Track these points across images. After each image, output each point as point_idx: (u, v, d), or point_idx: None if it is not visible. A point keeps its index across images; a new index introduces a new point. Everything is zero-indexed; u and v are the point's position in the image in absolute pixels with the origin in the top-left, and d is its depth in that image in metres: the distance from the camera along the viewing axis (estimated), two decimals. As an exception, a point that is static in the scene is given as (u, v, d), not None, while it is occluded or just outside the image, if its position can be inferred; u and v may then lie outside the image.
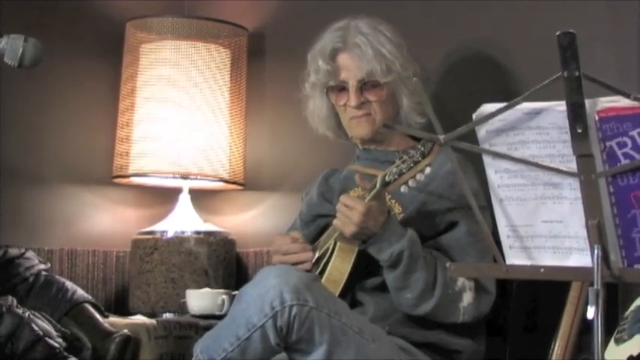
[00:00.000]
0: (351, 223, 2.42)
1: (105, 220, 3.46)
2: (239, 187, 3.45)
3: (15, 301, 2.76)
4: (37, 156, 3.33)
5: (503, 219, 1.76)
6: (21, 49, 1.92)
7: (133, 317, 3.17)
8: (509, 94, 2.84)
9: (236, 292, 3.08)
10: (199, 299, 3.12)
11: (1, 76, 3.11)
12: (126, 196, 3.49)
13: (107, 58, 3.46)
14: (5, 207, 3.16)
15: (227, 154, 3.37)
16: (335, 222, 2.47)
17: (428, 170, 2.38)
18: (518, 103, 1.68)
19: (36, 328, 2.70)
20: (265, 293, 2.29)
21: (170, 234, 3.30)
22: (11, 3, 3.27)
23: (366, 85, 2.60)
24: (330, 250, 2.54)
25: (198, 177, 3.36)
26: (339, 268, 2.51)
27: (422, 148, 2.38)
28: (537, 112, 1.68)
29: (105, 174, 3.41)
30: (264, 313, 2.28)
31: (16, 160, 3.28)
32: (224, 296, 3.12)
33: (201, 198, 3.45)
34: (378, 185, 2.41)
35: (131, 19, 3.40)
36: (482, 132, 1.73)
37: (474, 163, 2.18)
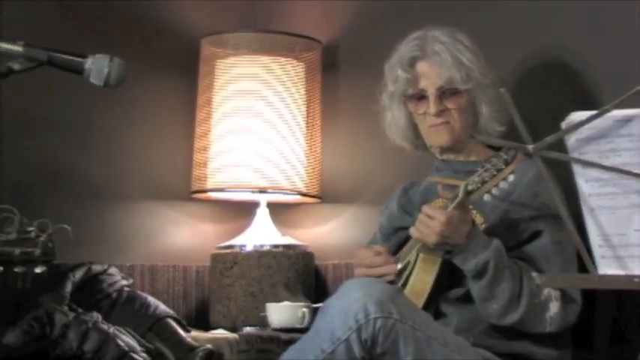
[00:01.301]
0: (432, 232, 2.40)
1: (184, 236, 3.49)
2: (316, 200, 3.45)
3: (100, 317, 2.79)
4: (117, 173, 3.37)
5: (594, 228, 1.73)
6: (107, 69, 1.94)
7: (214, 331, 3.18)
8: (587, 101, 2.81)
9: (316, 305, 3.10)
10: (280, 312, 3.13)
11: (83, 95, 3.16)
12: (204, 211, 3.52)
13: (183, 75, 3.49)
14: (88, 224, 3.19)
15: (304, 167, 3.38)
16: (413, 231, 2.45)
17: (511, 178, 2.36)
18: (608, 110, 1.65)
19: (121, 343, 2.73)
20: (349, 306, 2.28)
21: (249, 248, 3.32)
22: (91, 23, 3.32)
23: (445, 92, 2.58)
24: (412, 262, 2.52)
25: (276, 191, 3.38)
26: (422, 279, 2.50)
27: (505, 156, 2.36)
28: (628, 120, 1.66)
29: (183, 190, 3.44)
30: (349, 326, 2.27)
31: (97, 177, 3.32)
32: (304, 309, 3.12)
33: (279, 211, 3.46)
34: (460, 194, 2.40)
35: (206, 35, 3.43)
36: (571, 141, 1.71)
37: (554, 172, 2.15)
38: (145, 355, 2.77)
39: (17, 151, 3.19)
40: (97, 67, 1.95)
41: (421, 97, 2.61)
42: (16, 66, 1.91)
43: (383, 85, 2.68)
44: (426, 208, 2.43)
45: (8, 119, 3.18)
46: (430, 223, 2.40)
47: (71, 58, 1.95)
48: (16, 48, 1.91)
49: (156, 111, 3.47)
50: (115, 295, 3.02)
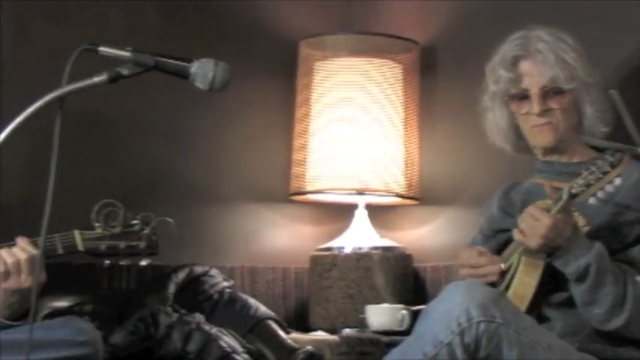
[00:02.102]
0: (536, 235, 2.37)
1: (283, 237, 3.51)
2: (414, 202, 3.44)
3: (203, 318, 2.82)
4: (217, 176, 3.41)
5: None
6: (212, 73, 1.96)
7: (314, 333, 3.20)
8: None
9: (415, 308, 3.09)
10: (379, 315, 3.12)
11: (184, 99, 3.21)
12: (303, 212, 3.53)
13: (281, 77, 3.51)
14: (189, 226, 3.23)
15: (402, 169, 3.37)
16: (515, 234, 2.42)
17: (618, 181, 2.31)
18: None
19: (224, 344, 2.76)
20: (452, 310, 2.26)
21: (348, 250, 3.32)
22: (191, 27, 3.37)
23: (548, 92, 2.55)
24: (514, 265, 2.50)
25: (374, 193, 3.37)
26: (525, 283, 2.46)
27: (610, 159, 2.32)
28: None
29: (282, 192, 3.46)
30: (451, 329, 2.25)
31: (198, 180, 3.36)
32: (404, 311, 3.11)
33: (377, 213, 3.46)
34: (564, 197, 2.36)
35: (304, 37, 3.45)
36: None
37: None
38: (246, 356, 2.80)
39: (123, 154, 3.25)
40: (202, 71, 1.97)
41: (524, 96, 2.58)
42: (124, 71, 1.94)
43: (484, 86, 2.66)
44: (532, 209, 2.40)
45: (115, 123, 3.25)
46: (535, 224, 2.37)
47: (177, 62, 1.98)
48: (125, 54, 1.95)
49: (254, 113, 3.50)
50: (216, 296, 3.05)
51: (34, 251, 2.24)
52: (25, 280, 2.23)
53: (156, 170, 3.30)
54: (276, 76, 3.52)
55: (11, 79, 3.10)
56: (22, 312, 2.30)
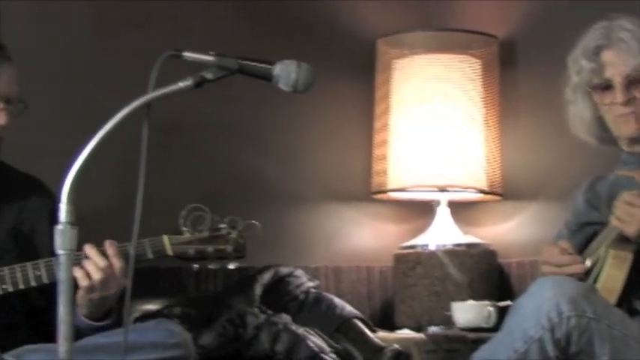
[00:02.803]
0: (635, 221, 2.33)
1: (366, 236, 3.51)
2: (497, 198, 3.41)
3: (290, 319, 2.84)
4: (299, 176, 3.43)
5: None
6: (294, 75, 1.96)
7: (400, 331, 3.19)
8: None
9: (501, 304, 3.06)
10: (465, 312, 3.11)
11: (265, 101, 3.23)
12: (385, 211, 3.53)
13: (359, 76, 3.51)
14: (272, 227, 3.24)
15: (484, 164, 3.35)
16: (613, 220, 2.38)
17: None
18: None
19: (311, 344, 2.77)
20: (541, 305, 2.24)
21: (431, 247, 3.31)
22: (269, 29, 3.39)
23: (632, 81, 2.50)
24: (601, 259, 2.46)
25: (456, 189, 3.36)
26: (613, 276, 2.43)
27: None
28: None
29: (364, 190, 3.46)
30: (541, 325, 2.23)
31: (280, 181, 3.38)
32: (490, 308, 3.09)
33: (460, 210, 3.44)
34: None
35: (382, 35, 3.45)
36: None
37: None
38: (334, 355, 2.80)
39: (207, 158, 3.29)
40: (285, 73, 1.97)
41: (607, 86, 2.54)
42: (209, 75, 1.95)
43: (566, 78, 2.62)
44: (626, 196, 2.36)
45: (200, 126, 3.29)
46: (631, 210, 2.33)
47: (260, 65, 1.98)
48: (209, 58, 1.96)
49: (334, 113, 3.51)
50: (302, 296, 3.07)
51: (119, 263, 2.26)
52: (109, 290, 2.26)
53: (239, 173, 3.32)
54: (354, 74, 3.52)
55: (95, 86, 3.15)
56: (102, 313, 2.34)
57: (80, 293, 2.26)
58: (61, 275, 1.77)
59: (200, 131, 3.29)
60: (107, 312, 2.35)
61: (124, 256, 2.30)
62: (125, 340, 1.87)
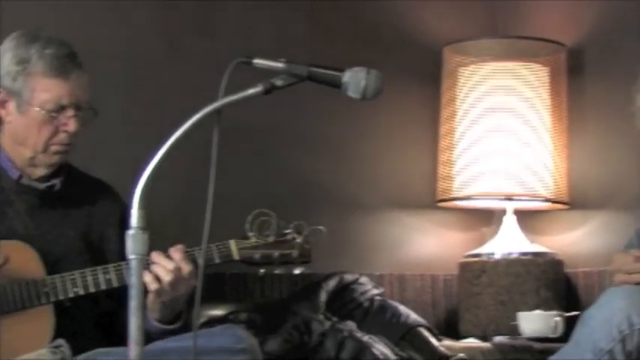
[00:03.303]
0: None
1: (430, 244, 3.50)
2: (564, 207, 3.38)
3: (355, 326, 2.83)
4: (363, 184, 3.43)
5: None
6: (364, 82, 1.95)
7: (465, 340, 3.17)
8: None
9: (569, 314, 3.03)
10: (532, 321, 3.08)
11: (330, 109, 3.24)
12: (450, 219, 3.51)
13: (425, 84, 3.50)
14: (337, 234, 3.25)
15: (551, 173, 3.31)
16: None
17: None
18: None
19: (376, 352, 2.77)
20: (612, 316, 2.21)
21: (497, 256, 3.28)
22: (335, 36, 3.40)
23: None
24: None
25: (523, 198, 3.33)
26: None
27: None
28: None
29: (428, 198, 3.45)
30: (612, 337, 2.20)
31: (345, 188, 3.38)
32: (557, 318, 3.06)
33: (526, 218, 3.41)
34: None
35: (448, 43, 3.43)
36: None
37: None
38: (399, 363, 2.80)
39: (273, 164, 3.30)
40: (355, 80, 1.96)
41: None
42: (278, 82, 1.95)
43: (638, 85, 2.59)
44: None
45: (266, 133, 3.30)
46: None
47: (330, 72, 1.98)
48: (278, 65, 1.96)
49: (400, 121, 3.50)
50: (366, 304, 3.06)
51: (187, 266, 2.28)
52: (179, 291, 2.28)
53: (305, 180, 3.33)
54: (420, 82, 3.52)
55: (165, 94, 3.18)
56: (173, 316, 2.35)
57: (150, 298, 2.28)
58: (132, 280, 1.78)
59: (266, 138, 3.30)
60: (177, 315, 2.36)
61: (190, 260, 2.31)
62: (194, 344, 1.88)
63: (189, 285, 2.30)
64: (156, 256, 2.27)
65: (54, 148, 2.40)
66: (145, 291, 2.21)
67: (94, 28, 3.11)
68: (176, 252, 2.28)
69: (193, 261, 2.31)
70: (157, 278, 2.25)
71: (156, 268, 2.26)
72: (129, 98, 3.15)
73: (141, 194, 1.80)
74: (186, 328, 2.36)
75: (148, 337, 1.91)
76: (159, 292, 2.26)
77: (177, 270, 2.26)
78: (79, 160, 2.54)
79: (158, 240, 2.23)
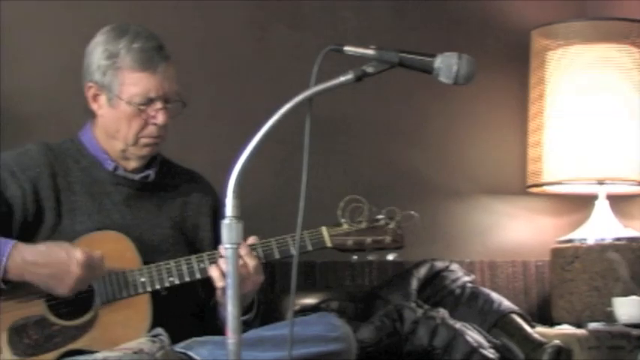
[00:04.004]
0: None
1: (521, 230, 3.46)
2: (658, 191, 3.31)
3: (447, 313, 2.81)
4: (452, 170, 3.40)
5: None
6: (455, 67, 1.93)
7: (559, 327, 3.13)
8: None
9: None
10: (628, 307, 3.02)
11: (416, 97, 3.22)
12: (540, 204, 3.47)
13: (513, 68, 3.46)
14: (427, 221, 3.23)
15: (643, 156, 3.25)
16: None
17: None
18: None
19: (470, 339, 2.74)
20: None
21: (590, 241, 3.23)
22: (421, 21, 3.38)
23: None
24: None
25: (615, 182, 3.27)
26: None
27: None
28: None
29: (518, 184, 3.41)
30: None
31: (434, 175, 3.37)
32: (654, 304, 3.00)
33: (619, 203, 3.36)
34: None
35: (536, 26, 3.38)
36: None
37: None
38: (492, 350, 2.77)
39: (364, 149, 3.30)
40: (446, 65, 1.94)
41: None
42: (369, 69, 1.95)
43: None
44: None
45: (356, 120, 3.30)
46: None
47: (421, 58, 1.97)
48: (369, 52, 1.96)
49: (487, 106, 3.47)
50: (458, 291, 3.04)
51: (252, 262, 2.27)
52: (245, 289, 2.28)
53: (395, 167, 3.32)
54: (508, 66, 3.47)
55: (254, 85, 3.19)
56: (244, 308, 2.36)
57: (218, 293, 2.29)
58: (228, 269, 1.80)
59: (357, 126, 3.30)
60: (249, 306, 2.37)
61: (264, 254, 2.31)
62: (290, 333, 1.89)
63: (255, 282, 2.31)
64: (223, 251, 2.28)
65: (144, 140, 2.43)
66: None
67: (184, 20, 3.14)
68: (242, 247, 2.28)
69: (266, 255, 2.32)
70: (224, 274, 2.24)
71: (223, 265, 2.26)
72: (219, 89, 3.17)
73: (235, 183, 1.81)
74: (258, 318, 2.37)
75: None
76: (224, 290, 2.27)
77: (243, 267, 2.26)
78: (171, 151, 2.57)
79: (249, 230, 2.26)
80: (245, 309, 2.36)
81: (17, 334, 2.21)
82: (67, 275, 2.20)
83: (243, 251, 2.27)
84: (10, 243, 2.20)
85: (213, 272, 2.27)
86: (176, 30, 3.00)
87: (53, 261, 2.21)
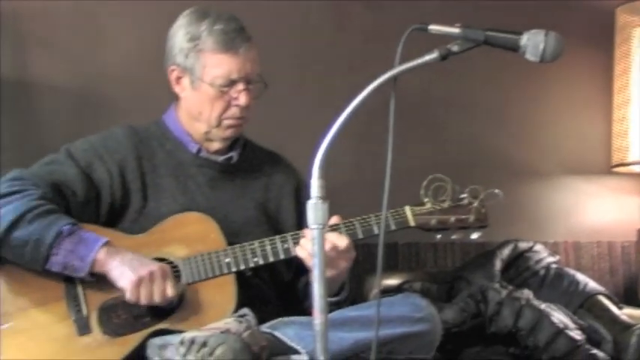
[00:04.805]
0: None
1: (606, 211, 3.41)
2: None
3: (531, 294, 2.78)
4: (535, 150, 3.37)
5: None
6: (542, 44, 1.91)
7: (648, 309, 3.08)
8: None
9: None
10: None
11: (499, 76, 3.19)
12: (627, 184, 3.42)
13: (597, 46, 3.41)
14: (510, 201, 3.20)
15: None
16: None
17: None
18: None
19: (555, 320, 2.71)
20: None
21: (679, 222, 3.17)
22: (504, 1, 3.34)
23: None
24: None
25: None
26: None
27: None
28: None
29: (603, 164, 3.36)
30: None
31: (517, 155, 3.34)
32: None
33: None
34: None
35: (621, 4, 3.32)
36: None
37: None
38: (578, 332, 2.73)
39: (446, 128, 3.28)
40: (533, 42, 1.91)
41: None
42: (454, 48, 1.93)
43: None
44: None
45: (439, 100, 3.28)
46: None
47: (507, 35, 1.94)
48: (454, 30, 1.94)
49: (570, 85, 3.42)
50: (542, 272, 3.00)
51: (343, 242, 2.27)
52: (337, 267, 2.28)
53: (478, 147, 3.30)
54: (591, 45, 3.42)
55: (335, 66, 3.19)
56: (337, 288, 2.36)
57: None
58: (315, 249, 1.79)
59: (439, 105, 3.29)
60: (341, 286, 2.37)
61: (347, 234, 2.30)
62: (377, 312, 1.88)
63: (348, 258, 2.30)
64: (309, 231, 2.28)
65: (227, 122, 2.44)
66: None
67: (265, 3, 3.15)
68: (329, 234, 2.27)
69: (352, 234, 2.31)
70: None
71: (307, 245, 2.25)
72: (300, 71, 3.18)
73: (320, 164, 1.81)
74: (350, 299, 2.37)
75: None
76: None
77: (334, 248, 2.26)
78: (253, 133, 2.58)
79: (331, 209, 2.25)
80: (337, 289, 2.36)
81: (106, 313, 2.24)
82: (143, 266, 2.22)
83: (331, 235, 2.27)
84: (100, 241, 2.23)
85: (301, 252, 2.28)
86: (255, 12, 3.00)
87: (135, 258, 2.24)
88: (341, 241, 2.27)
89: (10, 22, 2.91)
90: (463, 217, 2.36)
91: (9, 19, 2.91)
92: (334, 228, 2.32)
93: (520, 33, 1.94)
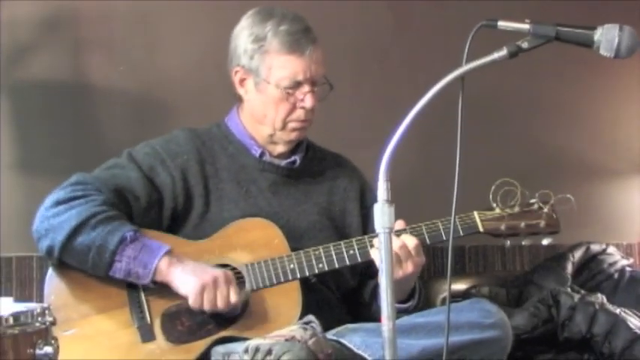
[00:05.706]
0: None
1: (682, 211, 3.34)
2: None
3: (605, 299, 2.71)
4: (609, 150, 3.32)
5: None
6: (617, 39, 1.84)
7: None
8: None
9: None
10: None
11: (570, 75, 3.12)
12: None
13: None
14: (582, 203, 3.13)
15: None
16: None
17: None
18: None
19: (632, 326, 2.63)
20: None
21: None
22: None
23: None
24: None
25: None
26: None
27: None
28: None
29: (678, 162, 3.29)
30: None
31: (590, 156, 3.28)
32: None
33: None
34: None
35: (694, -4, 3.24)
36: None
37: None
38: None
39: (516, 130, 3.23)
40: (607, 37, 1.85)
41: None
42: (524, 44, 1.87)
43: None
44: None
45: (508, 100, 3.22)
46: None
47: (580, 31, 1.88)
48: (524, 26, 1.88)
49: (641, 82, 3.35)
50: (616, 275, 2.94)
51: (412, 242, 2.22)
52: (405, 270, 2.23)
53: (549, 147, 3.25)
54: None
55: (394, 64, 3.14)
56: (406, 295, 2.31)
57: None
58: (382, 254, 1.75)
59: (506, 105, 3.23)
60: (411, 293, 2.32)
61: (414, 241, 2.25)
62: (447, 319, 1.83)
63: (417, 263, 2.25)
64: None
65: (292, 124, 2.40)
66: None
67: (324, 2, 3.11)
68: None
69: (421, 236, 2.26)
70: None
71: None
72: (361, 71, 3.14)
73: (386, 166, 1.76)
74: (421, 305, 2.32)
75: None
76: None
77: (403, 248, 2.22)
78: (315, 135, 2.54)
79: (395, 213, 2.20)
80: (407, 295, 2.31)
81: (170, 320, 2.23)
82: (205, 273, 2.20)
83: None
84: (163, 248, 2.21)
85: (375, 254, 2.24)
86: (317, 11, 2.96)
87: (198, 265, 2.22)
88: (410, 240, 2.23)
89: (69, 26, 2.91)
90: (533, 222, 2.32)
91: (68, 23, 2.91)
92: (401, 233, 2.27)
93: (593, 28, 1.88)
